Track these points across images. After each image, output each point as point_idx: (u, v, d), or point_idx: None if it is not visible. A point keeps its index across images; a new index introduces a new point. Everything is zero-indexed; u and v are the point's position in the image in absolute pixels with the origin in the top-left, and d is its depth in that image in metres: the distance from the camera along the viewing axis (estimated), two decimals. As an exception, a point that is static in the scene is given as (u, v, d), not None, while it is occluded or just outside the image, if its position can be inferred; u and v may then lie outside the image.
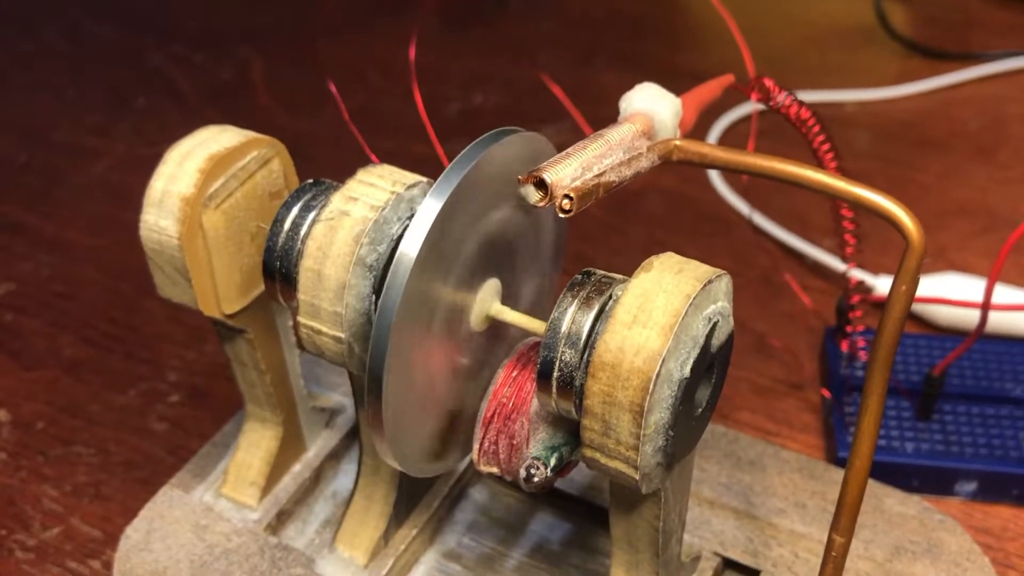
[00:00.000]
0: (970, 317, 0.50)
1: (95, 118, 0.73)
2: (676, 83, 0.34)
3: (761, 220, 0.58)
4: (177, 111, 0.73)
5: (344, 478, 0.43)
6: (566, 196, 0.29)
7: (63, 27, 0.86)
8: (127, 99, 0.75)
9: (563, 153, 0.30)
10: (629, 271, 0.30)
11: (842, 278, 0.45)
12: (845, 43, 0.77)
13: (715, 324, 0.29)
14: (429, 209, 0.29)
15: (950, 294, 0.49)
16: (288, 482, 0.42)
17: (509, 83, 0.74)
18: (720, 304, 0.30)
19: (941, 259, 0.56)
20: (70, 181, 0.67)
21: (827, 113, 0.69)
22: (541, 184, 0.29)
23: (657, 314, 0.28)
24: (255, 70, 0.78)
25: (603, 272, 0.31)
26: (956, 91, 0.71)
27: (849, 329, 0.45)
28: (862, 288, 0.45)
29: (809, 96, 0.69)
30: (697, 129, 0.64)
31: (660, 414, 0.28)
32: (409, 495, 0.40)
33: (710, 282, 0.29)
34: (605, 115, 0.33)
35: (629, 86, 0.33)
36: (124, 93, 0.76)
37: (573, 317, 0.30)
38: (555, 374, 0.30)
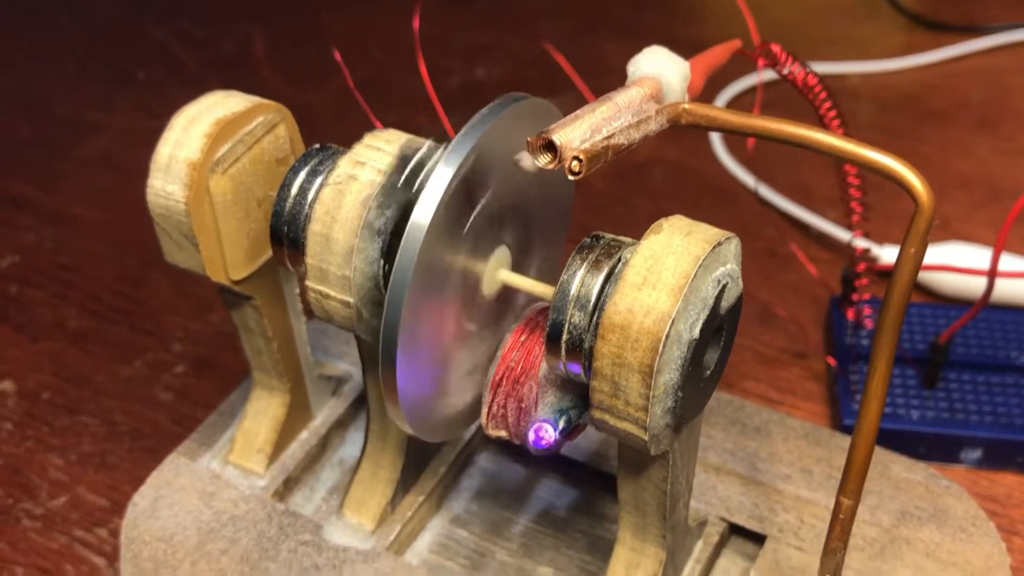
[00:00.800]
0: (975, 286, 0.50)
1: (97, 91, 0.73)
2: (678, 54, 0.34)
3: (766, 191, 0.58)
4: (179, 85, 0.73)
5: (351, 446, 0.43)
6: (575, 158, 0.29)
7: None
8: (129, 72, 0.75)
9: (572, 115, 0.30)
10: None
11: (848, 247, 0.45)
12: (848, 15, 0.77)
13: (724, 286, 0.29)
14: (442, 176, 0.29)
15: (955, 263, 0.49)
16: (295, 449, 0.42)
17: (511, 55, 0.74)
18: (729, 266, 0.30)
19: (945, 230, 0.56)
20: (73, 155, 0.67)
21: (831, 85, 0.69)
22: (550, 146, 0.29)
23: (667, 275, 0.28)
24: (257, 44, 0.77)
25: (612, 235, 0.31)
26: (959, 63, 0.70)
27: (855, 297, 0.45)
28: (868, 257, 0.45)
29: (812, 69, 0.69)
30: (702, 100, 0.64)
31: (669, 375, 0.28)
32: (416, 462, 0.40)
33: (719, 244, 0.29)
34: (608, 86, 0.33)
35: (630, 58, 0.33)
36: (126, 67, 0.76)
37: (582, 280, 0.30)
38: (564, 337, 0.30)
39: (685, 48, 0.35)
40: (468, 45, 0.75)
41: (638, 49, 0.33)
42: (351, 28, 0.79)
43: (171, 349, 0.52)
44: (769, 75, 0.55)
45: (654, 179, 0.62)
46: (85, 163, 0.66)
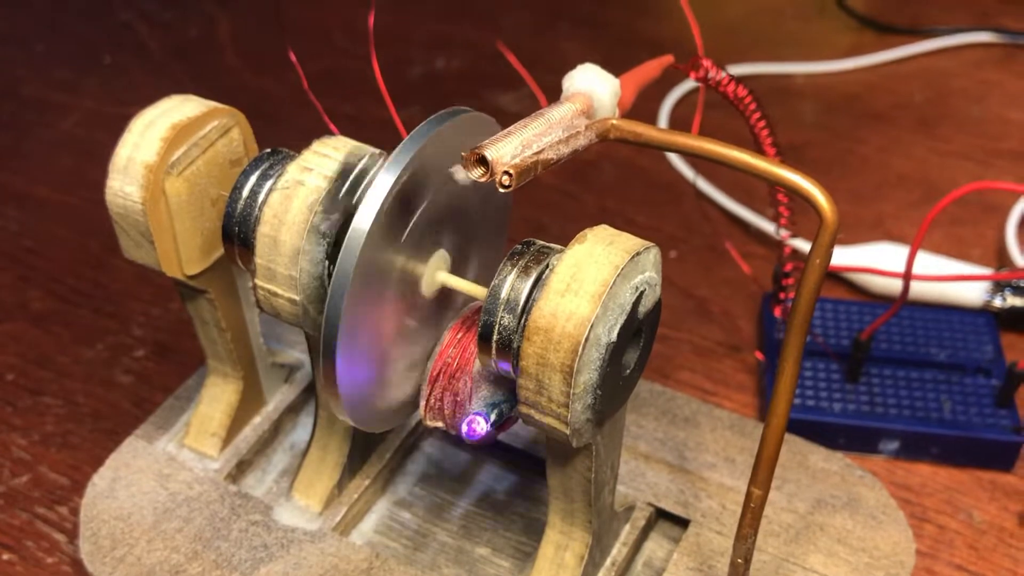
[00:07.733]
0: (901, 285, 0.52)
1: (64, 73, 0.74)
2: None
3: (708, 189, 0.60)
4: (144, 69, 0.74)
5: (302, 430, 0.46)
6: (505, 172, 0.31)
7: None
8: (95, 55, 0.76)
9: (505, 131, 0.32)
10: None
11: (778, 246, 0.48)
12: (799, 14, 0.79)
13: (642, 293, 0.31)
14: (382, 184, 0.31)
15: (883, 263, 0.52)
16: (248, 434, 0.44)
17: (471, 47, 0.76)
18: (648, 274, 0.32)
19: (878, 229, 0.59)
20: (39, 136, 0.68)
21: (777, 84, 0.71)
22: (483, 160, 0.31)
23: (588, 283, 0.30)
24: (222, 29, 0.79)
25: (542, 243, 0.33)
26: (903, 65, 0.73)
27: (783, 296, 0.48)
28: (797, 256, 0.48)
29: (759, 68, 0.72)
30: (651, 99, 0.66)
31: (588, 375, 0.31)
32: (362, 447, 0.42)
33: (638, 254, 0.31)
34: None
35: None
36: (93, 49, 0.77)
37: (512, 284, 0.32)
38: (495, 337, 0.32)
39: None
40: (430, 36, 0.77)
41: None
42: (315, 14, 0.80)
43: (132, 333, 0.53)
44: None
45: (603, 176, 0.64)
46: (51, 145, 0.67)
